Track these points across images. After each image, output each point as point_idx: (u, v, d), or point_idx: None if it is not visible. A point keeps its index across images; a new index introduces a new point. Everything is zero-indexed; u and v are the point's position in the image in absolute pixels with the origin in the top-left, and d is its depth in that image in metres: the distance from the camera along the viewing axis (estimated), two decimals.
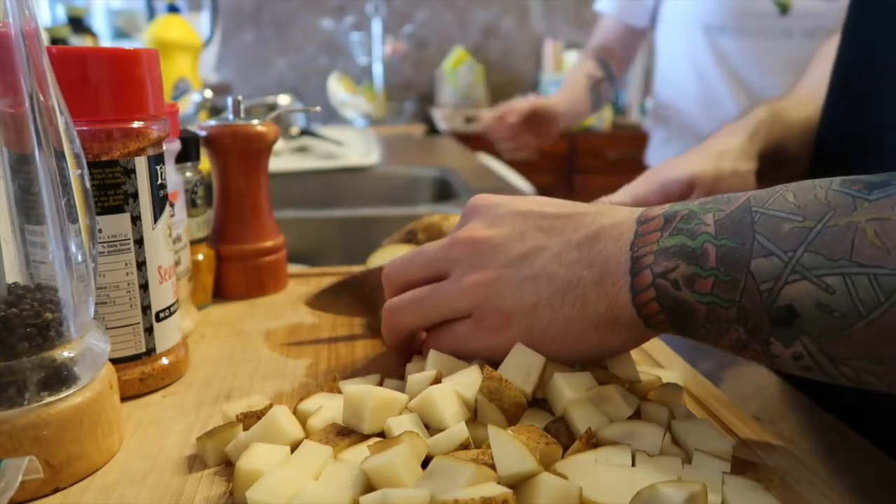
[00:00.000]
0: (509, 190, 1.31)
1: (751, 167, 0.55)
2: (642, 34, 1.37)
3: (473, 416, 0.32)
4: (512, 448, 0.27)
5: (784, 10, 1.16)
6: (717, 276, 0.29)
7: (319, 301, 0.49)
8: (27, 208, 0.29)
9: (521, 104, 1.22)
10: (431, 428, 0.32)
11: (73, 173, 0.30)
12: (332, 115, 2.75)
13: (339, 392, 0.36)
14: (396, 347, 0.40)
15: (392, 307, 0.39)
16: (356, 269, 0.41)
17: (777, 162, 0.58)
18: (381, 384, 0.37)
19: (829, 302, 0.27)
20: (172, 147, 0.47)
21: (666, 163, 0.57)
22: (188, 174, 0.51)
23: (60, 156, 0.30)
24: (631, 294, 0.32)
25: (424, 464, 0.28)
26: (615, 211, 0.35)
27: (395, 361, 0.42)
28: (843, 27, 0.54)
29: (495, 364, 0.34)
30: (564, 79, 1.42)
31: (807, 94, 0.64)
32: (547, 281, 0.34)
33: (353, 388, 0.32)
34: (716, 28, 1.22)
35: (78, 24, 1.49)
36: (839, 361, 0.28)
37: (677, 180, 0.54)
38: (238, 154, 0.54)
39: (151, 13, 1.30)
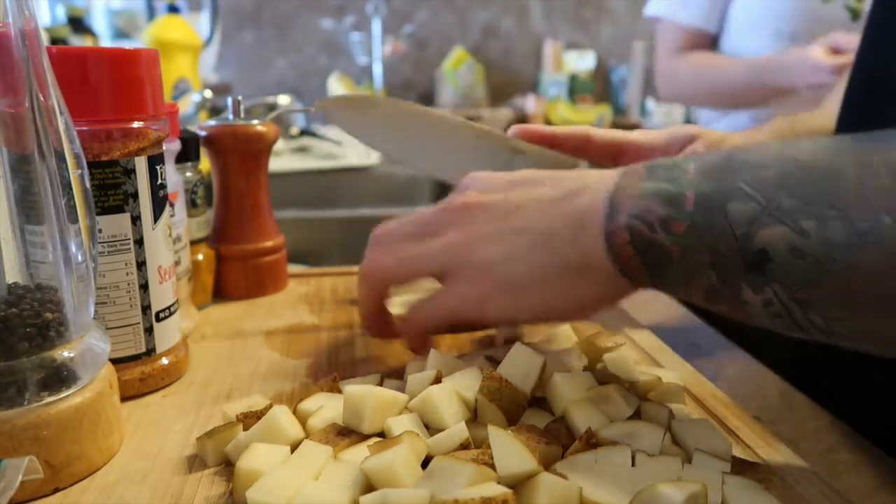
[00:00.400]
0: None
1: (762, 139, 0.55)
2: (711, 40, 1.30)
3: (473, 416, 0.32)
4: (512, 448, 0.27)
5: (856, 16, 1.14)
6: (694, 219, 0.29)
7: (328, 102, 0.50)
8: (27, 208, 0.29)
9: None
10: (431, 428, 0.32)
11: (73, 173, 0.30)
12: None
13: (339, 392, 0.36)
14: (367, 303, 0.40)
15: (370, 257, 0.39)
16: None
17: None
18: (381, 384, 0.37)
19: (802, 246, 0.26)
20: (172, 147, 0.47)
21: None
22: (188, 174, 0.51)
23: (60, 156, 0.30)
24: (605, 237, 0.32)
25: (424, 464, 0.28)
26: (602, 171, 0.36)
27: (366, 322, 0.42)
28: (865, 26, 0.54)
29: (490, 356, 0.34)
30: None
31: (824, 106, 0.64)
32: (525, 233, 0.34)
33: (353, 388, 0.32)
34: (786, 34, 1.18)
35: (78, 24, 1.49)
36: (810, 309, 0.27)
37: (683, 130, 0.54)
38: (238, 154, 0.54)
39: (151, 13, 1.30)
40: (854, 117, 0.56)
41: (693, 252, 0.29)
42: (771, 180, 0.28)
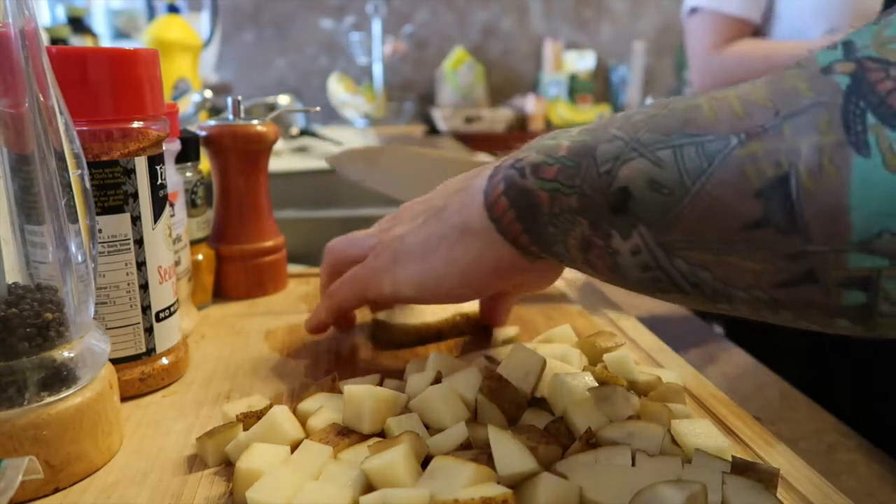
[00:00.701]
0: None
1: None
2: (754, 32, 1.25)
3: (473, 416, 0.32)
4: (512, 448, 0.27)
5: None
6: (563, 164, 0.30)
7: (340, 158, 0.56)
8: (27, 208, 0.29)
9: None
10: (431, 428, 0.32)
11: (73, 173, 0.30)
12: (332, 115, 2.75)
13: (339, 392, 0.36)
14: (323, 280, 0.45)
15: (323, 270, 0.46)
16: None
17: None
18: (381, 384, 0.37)
19: (658, 177, 0.26)
20: (172, 147, 0.47)
21: None
22: (188, 174, 0.51)
23: (60, 156, 0.30)
24: (483, 196, 0.33)
25: (424, 464, 0.28)
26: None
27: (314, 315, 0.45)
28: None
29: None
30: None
31: None
32: (424, 214, 0.37)
33: (353, 388, 0.32)
34: (840, 32, 1.16)
35: (78, 24, 1.49)
36: (673, 253, 0.27)
37: None
38: (238, 154, 0.54)
39: (151, 13, 1.30)
40: None
41: (562, 197, 0.30)
42: (638, 121, 0.28)
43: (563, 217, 0.30)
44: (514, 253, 0.33)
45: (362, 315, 0.50)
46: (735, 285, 0.26)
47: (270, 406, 0.34)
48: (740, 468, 0.29)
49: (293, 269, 0.63)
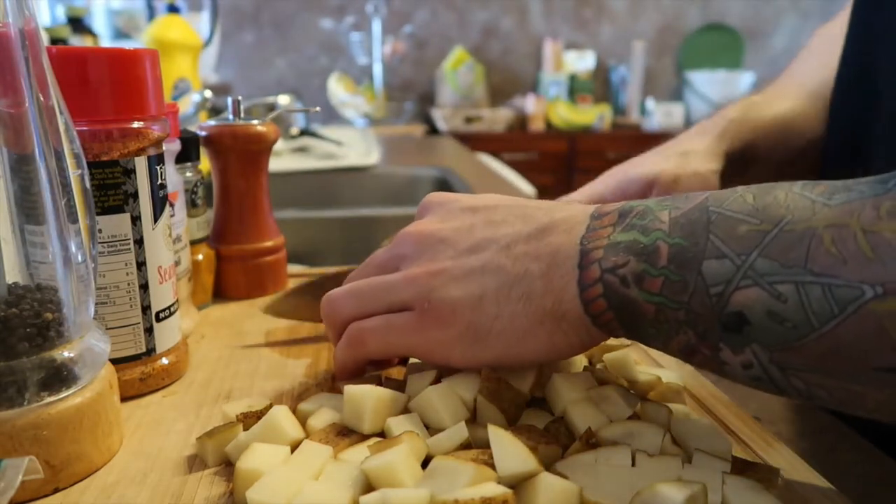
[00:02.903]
0: (509, 190, 1.31)
1: (714, 167, 0.54)
2: None
3: (473, 416, 0.32)
4: (512, 448, 0.27)
5: None
6: (668, 276, 0.28)
7: (278, 306, 0.48)
8: (27, 208, 0.29)
9: None
10: (431, 428, 0.32)
11: (73, 173, 0.30)
12: (332, 116, 2.75)
13: (339, 392, 0.36)
14: (335, 342, 0.37)
15: (329, 297, 0.37)
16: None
17: (746, 161, 0.57)
18: (381, 384, 0.37)
19: (780, 311, 0.25)
20: (172, 147, 0.47)
21: (628, 161, 0.56)
22: (188, 174, 0.51)
23: (60, 156, 0.30)
24: (579, 289, 0.30)
25: (424, 464, 0.28)
26: (570, 206, 0.34)
27: (337, 368, 0.38)
28: (846, 33, 0.54)
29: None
30: None
31: (787, 86, 0.63)
32: (494, 273, 0.32)
33: (353, 388, 0.32)
34: None
35: (78, 24, 1.49)
36: (790, 373, 0.26)
37: (636, 179, 0.53)
38: (238, 154, 0.54)
39: (151, 13, 1.30)
40: (834, 126, 0.56)
41: (668, 310, 0.28)
42: (745, 236, 0.27)
43: (667, 325, 0.29)
44: (605, 336, 0.32)
45: None
46: (854, 406, 0.26)
47: (270, 406, 0.34)
48: (740, 468, 0.29)
49: (293, 269, 0.63)
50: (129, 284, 0.38)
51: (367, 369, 0.37)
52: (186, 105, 0.97)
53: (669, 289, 0.28)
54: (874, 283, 0.24)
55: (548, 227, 0.33)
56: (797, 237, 0.26)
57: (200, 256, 0.53)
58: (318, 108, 0.62)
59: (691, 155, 0.55)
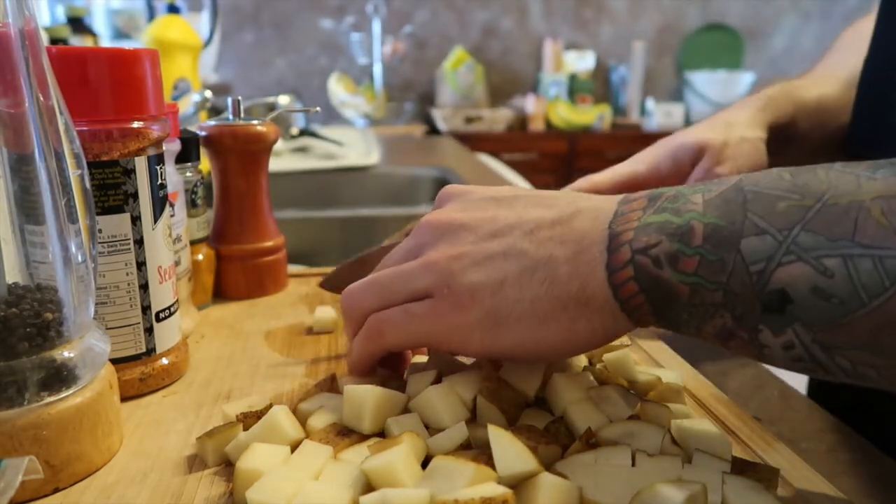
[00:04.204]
0: None
1: (760, 135, 0.55)
2: None
3: (473, 416, 0.32)
4: (512, 448, 0.27)
5: None
6: (703, 255, 0.27)
7: (333, 280, 0.48)
8: (27, 208, 0.29)
9: None
10: (431, 428, 0.32)
11: (73, 173, 0.30)
12: (332, 116, 2.75)
13: (339, 392, 0.36)
14: (352, 337, 0.36)
15: (349, 290, 0.36)
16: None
17: (786, 137, 0.58)
18: (381, 384, 0.37)
19: (826, 287, 0.24)
20: (172, 147, 0.47)
21: (675, 133, 0.57)
22: (188, 174, 0.51)
23: (60, 156, 0.30)
24: (607, 272, 0.29)
25: (424, 464, 0.28)
26: (594, 196, 0.33)
27: (352, 362, 0.36)
28: (873, 28, 0.55)
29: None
30: None
31: (822, 74, 0.64)
32: (516, 257, 0.31)
33: (353, 388, 0.32)
34: None
35: (78, 24, 1.49)
36: (835, 352, 0.25)
37: (687, 145, 0.54)
38: (238, 154, 0.54)
39: (151, 13, 1.30)
40: (859, 117, 0.56)
41: (704, 291, 0.27)
42: (785, 212, 0.26)
43: (703, 308, 0.28)
44: (631, 325, 0.31)
45: None
46: None
47: (270, 406, 0.34)
48: (740, 468, 0.29)
49: (293, 269, 0.63)
50: (129, 284, 0.38)
51: (378, 370, 0.37)
52: (186, 105, 0.96)
53: (706, 269, 0.27)
54: None
55: (573, 214, 0.32)
56: (842, 210, 0.25)
57: (200, 256, 0.53)
58: (318, 109, 0.62)
59: (736, 124, 0.55)
